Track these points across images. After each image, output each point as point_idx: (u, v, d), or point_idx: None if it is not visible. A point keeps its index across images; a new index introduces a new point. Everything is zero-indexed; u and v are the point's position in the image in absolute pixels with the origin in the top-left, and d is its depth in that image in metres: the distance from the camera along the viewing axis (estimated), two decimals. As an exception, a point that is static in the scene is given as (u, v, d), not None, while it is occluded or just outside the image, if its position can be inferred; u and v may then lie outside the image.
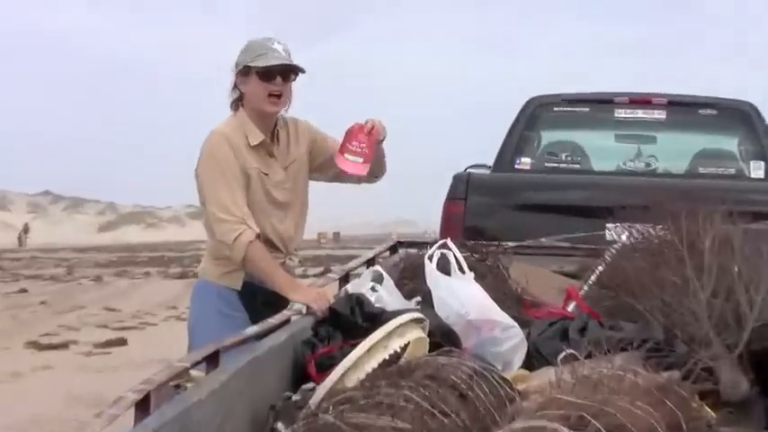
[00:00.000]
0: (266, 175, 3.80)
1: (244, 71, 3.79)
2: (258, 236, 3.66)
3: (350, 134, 3.81)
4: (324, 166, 3.98)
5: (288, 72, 3.77)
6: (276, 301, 3.57)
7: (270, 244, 3.79)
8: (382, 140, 3.87)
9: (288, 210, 3.89)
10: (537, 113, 6.04)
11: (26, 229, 73.61)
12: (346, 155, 3.80)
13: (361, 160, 3.79)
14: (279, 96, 3.77)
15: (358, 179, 3.97)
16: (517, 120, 6.02)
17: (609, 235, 4.68)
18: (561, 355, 2.79)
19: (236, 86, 3.84)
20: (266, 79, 3.75)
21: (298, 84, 3.81)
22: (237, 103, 3.85)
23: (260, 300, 3.74)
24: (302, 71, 3.80)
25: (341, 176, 3.97)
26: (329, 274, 4.04)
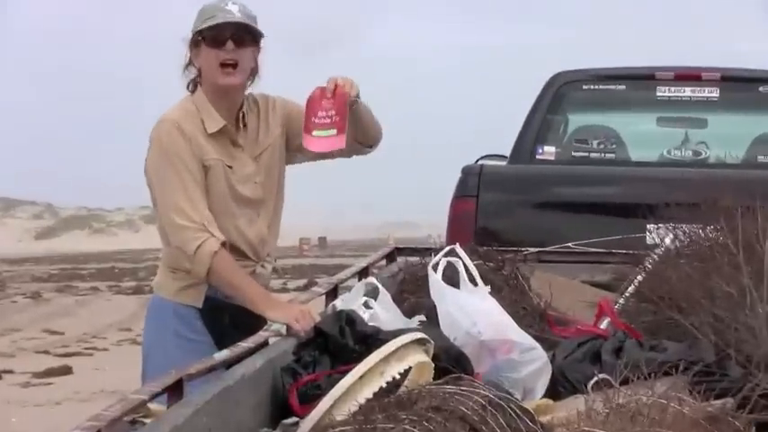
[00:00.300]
0: (230, 167, 3.75)
1: (195, 40, 3.74)
2: (224, 244, 3.62)
3: (311, 104, 3.67)
4: None
5: (242, 35, 3.68)
6: (248, 321, 3.58)
7: (237, 251, 3.74)
8: (356, 98, 3.73)
9: (260, 208, 3.85)
10: (563, 93, 6.04)
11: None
12: (315, 132, 3.66)
13: (334, 132, 3.64)
14: (234, 66, 3.68)
15: (348, 153, 3.88)
16: (539, 100, 6.01)
17: (650, 238, 4.69)
18: (592, 381, 2.80)
19: (191, 62, 3.80)
20: (215, 45, 3.67)
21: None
22: (196, 82, 3.81)
23: (227, 319, 3.74)
24: (261, 35, 3.74)
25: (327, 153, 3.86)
26: (314, 288, 4.03)
